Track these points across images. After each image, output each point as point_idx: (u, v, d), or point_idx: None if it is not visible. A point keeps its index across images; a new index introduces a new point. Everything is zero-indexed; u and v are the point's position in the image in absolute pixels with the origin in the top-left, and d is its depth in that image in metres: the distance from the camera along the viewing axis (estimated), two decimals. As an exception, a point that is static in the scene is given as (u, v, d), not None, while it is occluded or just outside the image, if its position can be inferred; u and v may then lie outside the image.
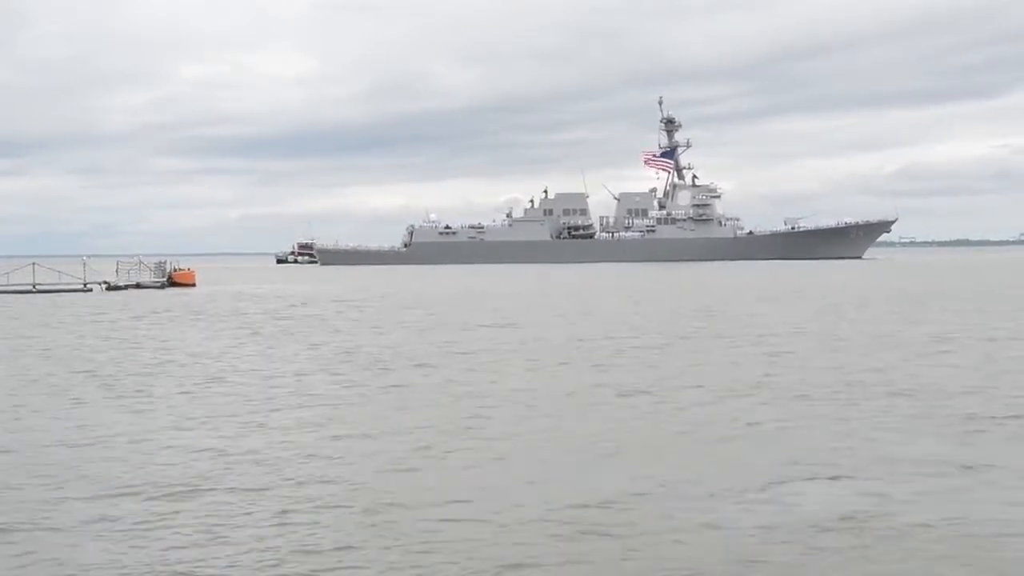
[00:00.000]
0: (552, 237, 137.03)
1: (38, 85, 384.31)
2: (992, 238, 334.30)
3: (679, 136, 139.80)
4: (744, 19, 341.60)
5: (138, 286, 64.04)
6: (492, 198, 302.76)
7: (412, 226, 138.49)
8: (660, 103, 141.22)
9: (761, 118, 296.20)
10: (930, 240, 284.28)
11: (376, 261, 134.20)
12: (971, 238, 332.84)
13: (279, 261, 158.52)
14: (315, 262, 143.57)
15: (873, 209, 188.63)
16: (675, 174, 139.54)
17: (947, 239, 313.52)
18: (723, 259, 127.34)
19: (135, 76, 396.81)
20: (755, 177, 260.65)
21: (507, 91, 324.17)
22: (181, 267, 69.75)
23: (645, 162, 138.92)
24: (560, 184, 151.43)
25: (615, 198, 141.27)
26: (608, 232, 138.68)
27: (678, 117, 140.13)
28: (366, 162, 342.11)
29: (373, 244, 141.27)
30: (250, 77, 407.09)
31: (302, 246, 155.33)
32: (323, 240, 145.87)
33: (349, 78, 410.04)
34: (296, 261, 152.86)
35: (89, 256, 69.70)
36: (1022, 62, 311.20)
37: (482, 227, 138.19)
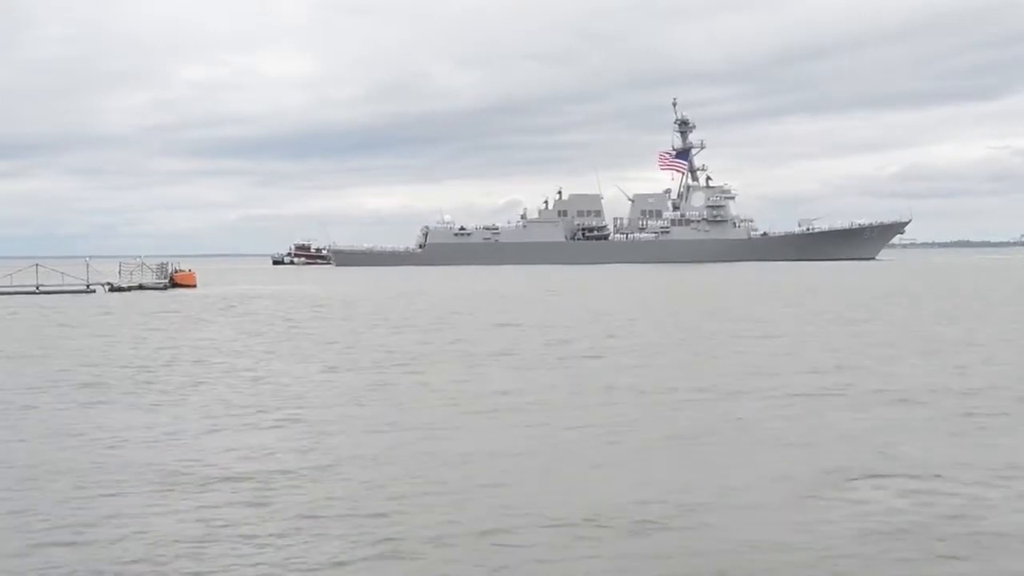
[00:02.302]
0: (566, 238, 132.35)
1: (39, 87, 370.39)
2: (992, 240, 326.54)
3: (693, 137, 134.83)
4: (745, 21, 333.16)
5: (141, 287, 61.47)
6: (493, 199, 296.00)
7: (427, 227, 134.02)
8: (674, 104, 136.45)
9: (762, 120, 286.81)
10: (930, 242, 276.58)
11: (391, 262, 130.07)
12: (971, 240, 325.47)
13: (275, 262, 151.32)
14: (311, 264, 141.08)
15: (874, 210, 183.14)
16: (689, 175, 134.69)
17: (947, 240, 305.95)
18: (737, 260, 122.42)
19: (136, 77, 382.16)
20: (756, 178, 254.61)
21: (507, 93, 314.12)
22: (181, 268, 67.52)
23: (660, 163, 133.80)
24: (563, 186, 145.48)
25: (629, 199, 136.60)
26: (622, 233, 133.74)
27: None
28: (366, 163, 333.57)
29: (388, 245, 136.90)
30: (251, 79, 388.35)
31: (299, 247, 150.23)
32: (321, 242, 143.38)
33: (349, 79, 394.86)
34: (292, 262, 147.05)
35: (91, 257, 66.86)
36: (1022, 64, 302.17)
37: (497, 228, 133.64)
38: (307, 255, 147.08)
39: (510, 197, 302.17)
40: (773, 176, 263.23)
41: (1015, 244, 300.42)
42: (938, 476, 10.74)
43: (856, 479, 10.67)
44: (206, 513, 9.61)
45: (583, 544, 8.58)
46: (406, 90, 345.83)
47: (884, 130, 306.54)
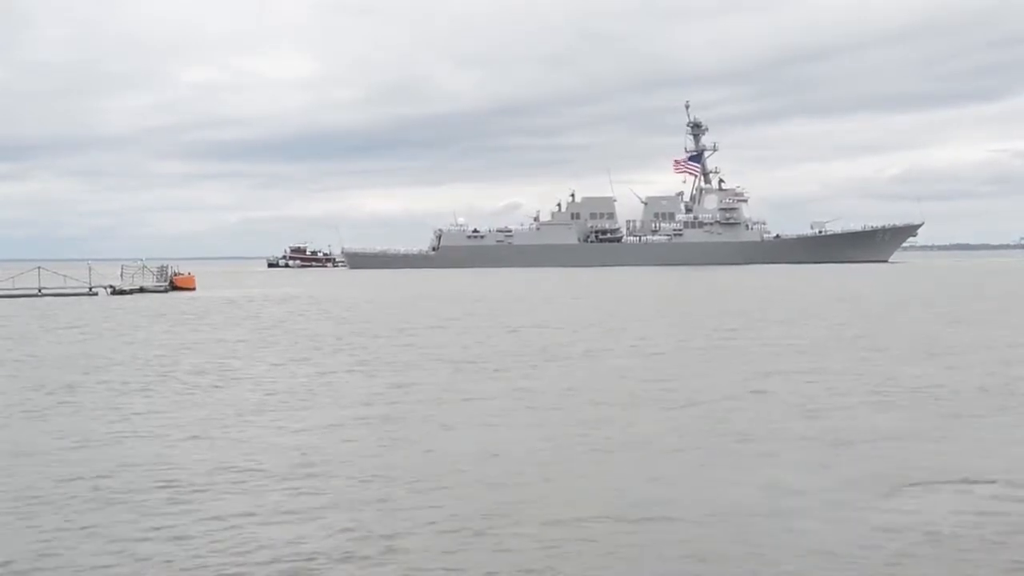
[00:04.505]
0: (579, 241, 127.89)
1: (39, 88, 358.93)
2: (992, 242, 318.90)
3: (706, 140, 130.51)
4: (745, 23, 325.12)
5: (142, 290, 58.91)
6: (493, 201, 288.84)
7: (440, 230, 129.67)
8: (687, 107, 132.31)
9: (762, 121, 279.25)
10: (930, 244, 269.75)
11: (404, 264, 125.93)
12: (971, 243, 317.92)
13: (270, 265, 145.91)
14: (307, 266, 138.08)
15: (876, 212, 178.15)
16: (701, 178, 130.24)
17: (947, 243, 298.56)
18: (750, 263, 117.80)
19: (136, 79, 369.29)
20: (756, 180, 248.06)
21: (508, 95, 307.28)
22: (180, 272, 65.55)
23: (674, 167, 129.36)
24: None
25: (642, 202, 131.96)
26: (635, 236, 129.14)
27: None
28: (367, 166, 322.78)
29: (400, 247, 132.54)
30: (251, 80, 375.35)
31: (294, 249, 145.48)
32: (317, 244, 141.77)
33: (350, 81, 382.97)
34: (287, 265, 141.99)
35: (93, 260, 65.27)
36: (1022, 66, 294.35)
37: (510, 231, 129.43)
38: (302, 257, 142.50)
39: (509, 200, 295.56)
40: (773, 178, 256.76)
41: (1015, 247, 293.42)
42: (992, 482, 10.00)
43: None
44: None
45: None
46: (407, 92, 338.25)
47: (884, 132, 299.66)
